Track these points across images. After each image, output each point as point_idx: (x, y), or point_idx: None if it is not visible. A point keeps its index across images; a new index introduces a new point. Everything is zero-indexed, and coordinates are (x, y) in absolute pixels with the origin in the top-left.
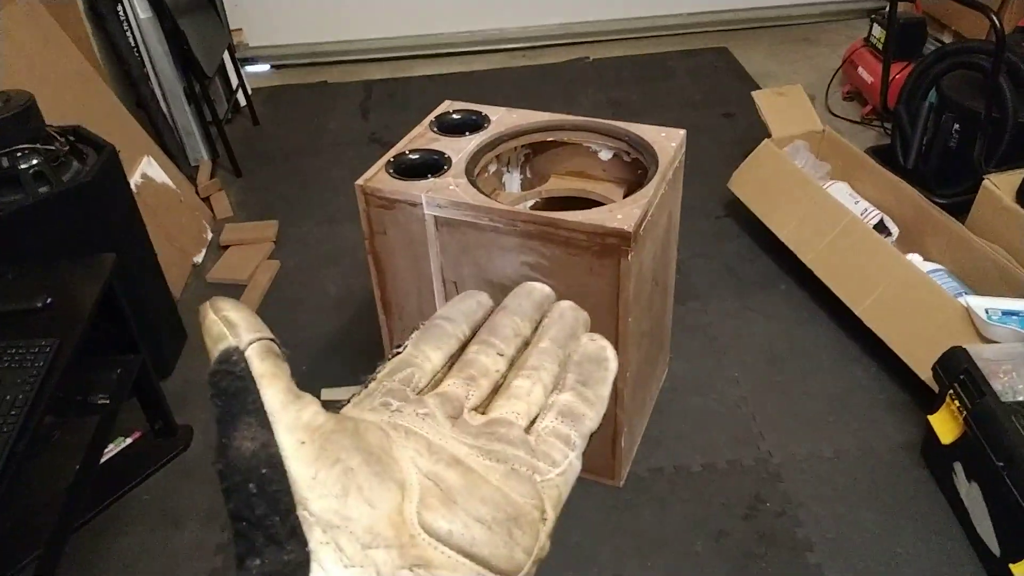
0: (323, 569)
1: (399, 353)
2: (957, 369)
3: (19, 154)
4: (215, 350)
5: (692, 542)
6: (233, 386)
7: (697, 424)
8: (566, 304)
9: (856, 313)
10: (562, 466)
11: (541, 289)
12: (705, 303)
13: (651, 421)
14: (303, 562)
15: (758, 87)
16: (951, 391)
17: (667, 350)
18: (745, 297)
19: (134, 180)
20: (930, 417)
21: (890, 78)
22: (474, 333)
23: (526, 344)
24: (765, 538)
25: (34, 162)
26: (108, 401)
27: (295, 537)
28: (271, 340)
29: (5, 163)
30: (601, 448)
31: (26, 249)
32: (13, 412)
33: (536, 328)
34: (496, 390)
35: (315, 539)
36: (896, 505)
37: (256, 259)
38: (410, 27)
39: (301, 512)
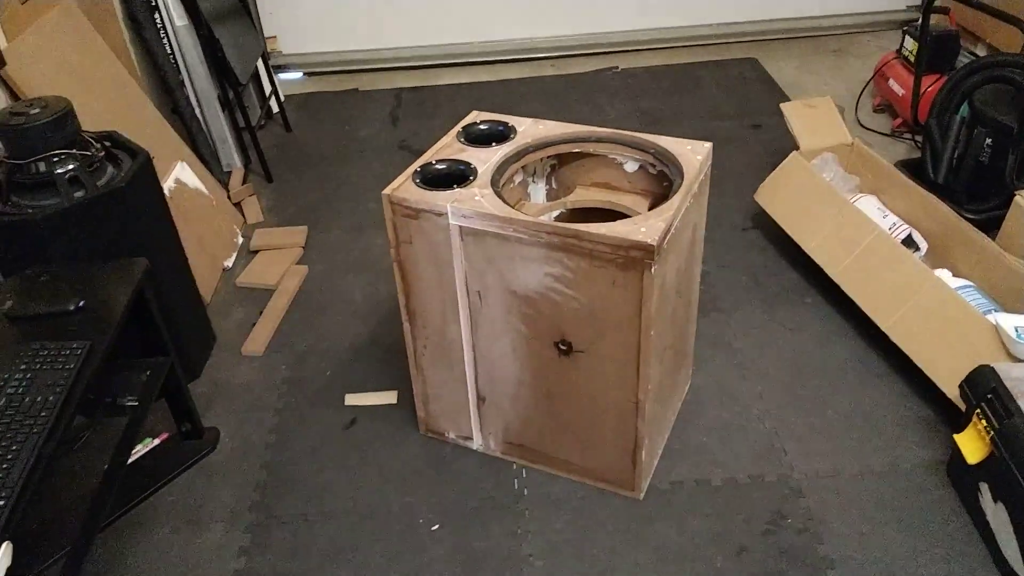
0: None
1: None
2: (985, 388)
3: (55, 159)
4: None
5: (712, 557)
6: None
7: (719, 438)
8: None
9: (883, 329)
10: None
11: None
12: (729, 316)
13: (672, 434)
14: None
15: (787, 98)
16: (978, 410)
17: (690, 363)
18: (770, 310)
19: (167, 185)
20: (956, 436)
21: (921, 91)
22: None
23: None
24: (786, 555)
25: (70, 167)
26: (137, 403)
27: None
28: None
29: (42, 168)
30: (622, 460)
31: (60, 252)
32: (44, 413)
33: None
34: None
35: None
36: (920, 524)
37: (285, 264)
38: (440, 36)
39: None
